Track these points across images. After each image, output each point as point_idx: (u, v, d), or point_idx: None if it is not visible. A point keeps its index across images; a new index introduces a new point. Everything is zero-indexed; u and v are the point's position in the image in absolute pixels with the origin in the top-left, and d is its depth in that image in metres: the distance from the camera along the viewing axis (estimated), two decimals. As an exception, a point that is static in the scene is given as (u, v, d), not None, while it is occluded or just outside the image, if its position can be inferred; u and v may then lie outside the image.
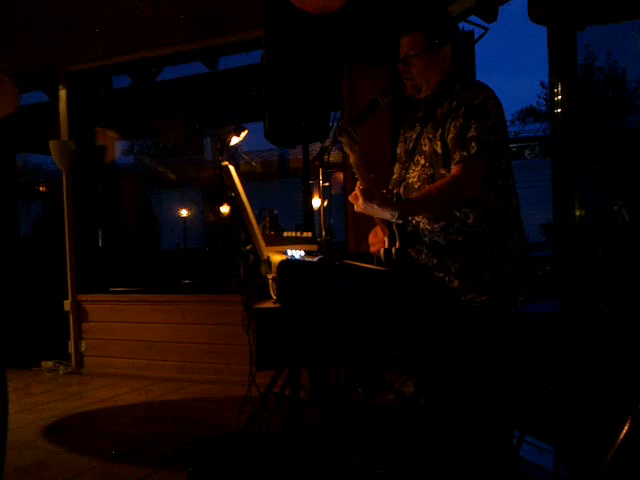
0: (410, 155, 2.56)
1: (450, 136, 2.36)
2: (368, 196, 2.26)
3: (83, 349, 5.78)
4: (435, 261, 2.41)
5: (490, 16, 4.26)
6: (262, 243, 2.53)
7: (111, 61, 5.69)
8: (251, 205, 2.59)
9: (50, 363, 5.83)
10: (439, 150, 2.40)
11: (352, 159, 2.36)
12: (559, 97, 3.36)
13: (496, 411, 2.38)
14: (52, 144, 5.66)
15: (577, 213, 3.28)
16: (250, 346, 2.73)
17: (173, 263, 8.04)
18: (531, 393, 2.83)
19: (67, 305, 5.80)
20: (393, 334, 2.26)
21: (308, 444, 2.45)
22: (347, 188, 4.68)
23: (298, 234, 2.69)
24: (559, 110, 3.38)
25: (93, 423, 4.20)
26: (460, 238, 2.36)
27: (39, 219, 7.81)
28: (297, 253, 2.54)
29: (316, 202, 4.11)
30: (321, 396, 2.54)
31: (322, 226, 2.62)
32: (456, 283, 2.35)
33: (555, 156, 3.56)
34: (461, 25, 4.23)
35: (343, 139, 2.32)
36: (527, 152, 18.15)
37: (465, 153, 2.30)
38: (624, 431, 2.10)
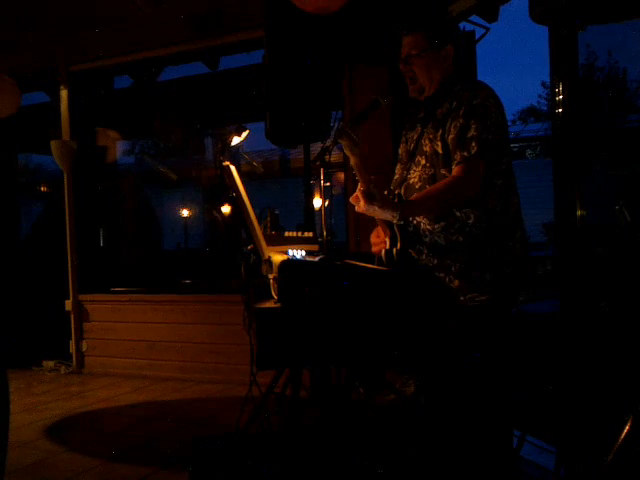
0: (411, 156, 2.56)
1: (450, 136, 2.36)
2: (369, 197, 2.27)
3: (84, 349, 5.79)
4: (435, 261, 2.42)
5: (491, 16, 4.27)
6: (263, 243, 2.53)
7: (112, 61, 5.69)
8: (252, 205, 2.59)
9: (51, 363, 5.84)
10: (440, 150, 2.41)
11: (352, 161, 2.36)
12: (560, 97, 3.36)
13: (496, 411, 2.38)
14: (53, 144, 5.67)
15: (578, 213, 3.28)
16: (251, 346, 2.73)
17: (174, 263, 8.04)
18: (532, 392, 2.83)
19: (68, 305, 5.81)
20: (394, 334, 2.26)
21: (308, 444, 2.45)
22: (348, 188, 4.68)
23: (299, 234, 2.69)
24: (560, 110, 3.37)
25: (94, 423, 4.20)
26: (461, 238, 2.36)
27: (40, 219, 7.81)
28: (298, 253, 2.55)
29: (317, 202, 4.11)
30: (322, 396, 2.54)
31: (323, 226, 2.62)
32: (456, 283, 2.35)
33: (556, 156, 3.56)
34: (462, 25, 4.23)
35: (343, 141, 2.33)
36: (528, 152, 18.13)
37: (466, 153, 2.30)
38: (625, 431, 2.10)
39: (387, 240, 2.47)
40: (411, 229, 2.46)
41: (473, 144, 2.29)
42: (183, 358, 5.31)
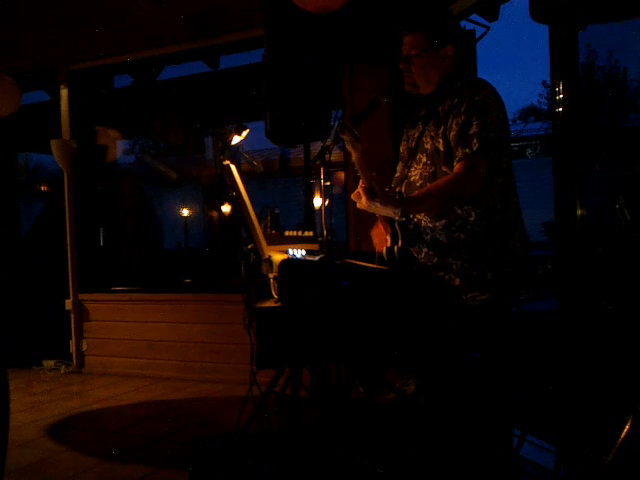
0: (412, 153, 2.56)
1: (452, 133, 2.36)
2: (371, 194, 2.27)
3: (84, 348, 5.79)
4: (435, 260, 2.42)
5: (492, 15, 4.26)
6: (263, 242, 2.53)
7: (112, 60, 5.69)
8: (252, 204, 2.59)
9: (51, 362, 5.84)
10: (441, 147, 2.41)
11: (354, 157, 2.36)
12: (560, 96, 3.36)
13: (497, 410, 2.38)
14: (54, 143, 5.67)
15: (578, 212, 3.28)
16: (251, 345, 2.73)
17: (174, 262, 8.05)
18: (532, 392, 2.83)
19: (68, 304, 5.81)
20: (394, 333, 2.26)
21: (308, 444, 2.45)
22: (348, 187, 4.68)
23: (299, 233, 2.69)
24: (560, 109, 3.37)
25: (94, 422, 4.20)
26: (462, 236, 2.36)
27: (40, 218, 7.81)
28: (298, 252, 2.54)
29: (317, 201, 4.11)
30: (322, 396, 2.54)
31: (323, 225, 2.62)
32: (457, 282, 2.35)
33: (556, 155, 3.56)
34: (463, 24, 4.23)
35: (345, 137, 2.33)
36: (528, 151, 18.15)
37: (467, 150, 2.30)
38: (625, 430, 2.10)
39: (388, 238, 2.47)
40: (412, 227, 2.46)
41: (475, 141, 2.29)
42: (183, 357, 5.31)
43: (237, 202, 2.58)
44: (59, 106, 5.85)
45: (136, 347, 5.54)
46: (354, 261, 2.40)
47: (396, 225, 2.37)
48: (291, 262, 2.34)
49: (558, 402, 3.03)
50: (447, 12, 3.40)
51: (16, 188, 7.27)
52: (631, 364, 2.76)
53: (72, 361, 5.81)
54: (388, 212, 2.32)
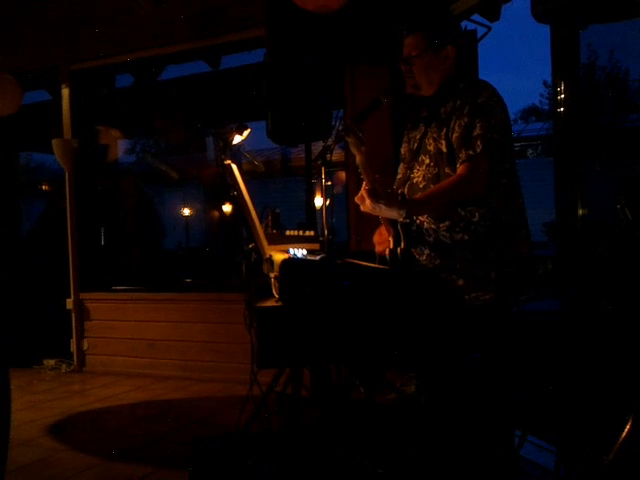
0: (414, 155, 2.56)
1: (455, 135, 2.36)
2: (375, 196, 2.27)
3: (85, 347, 5.79)
4: (438, 261, 2.41)
5: (493, 15, 4.26)
6: (264, 242, 2.54)
7: (113, 60, 5.69)
8: (253, 204, 2.59)
9: (52, 361, 5.84)
10: (444, 149, 2.41)
11: (358, 159, 2.36)
12: (562, 96, 3.36)
13: (497, 410, 2.38)
14: (55, 143, 5.67)
15: (579, 212, 3.28)
16: (252, 345, 2.73)
17: (175, 262, 8.05)
18: (532, 392, 2.83)
19: (69, 303, 5.81)
20: (395, 333, 2.25)
21: (308, 444, 2.45)
22: (349, 187, 4.68)
23: (300, 233, 2.70)
24: (562, 109, 3.37)
25: (94, 421, 4.20)
26: (466, 237, 2.36)
27: (41, 218, 7.82)
28: (299, 252, 2.54)
29: (318, 201, 4.11)
30: (322, 395, 2.54)
31: (324, 225, 2.62)
32: (460, 282, 2.34)
33: (557, 155, 3.56)
34: (464, 24, 4.22)
35: (350, 139, 2.33)
36: (530, 151, 18.13)
37: (471, 152, 2.30)
38: (626, 430, 2.10)
39: (390, 239, 2.47)
40: (414, 228, 2.46)
41: (478, 143, 2.29)
42: (184, 357, 5.32)
43: (238, 201, 2.58)
44: (60, 105, 5.85)
45: (137, 346, 5.54)
46: (355, 261, 2.40)
47: (398, 227, 2.37)
48: (292, 262, 2.34)
49: (558, 402, 3.03)
50: (447, 13, 3.41)
51: (17, 187, 7.27)
52: (631, 364, 2.76)
53: (73, 360, 5.81)
54: (393, 214, 2.31)
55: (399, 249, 2.38)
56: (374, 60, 4.29)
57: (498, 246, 2.36)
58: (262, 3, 3.98)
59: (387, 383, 2.69)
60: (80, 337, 5.80)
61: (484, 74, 4.26)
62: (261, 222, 2.64)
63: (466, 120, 2.34)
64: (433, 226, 2.42)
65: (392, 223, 2.43)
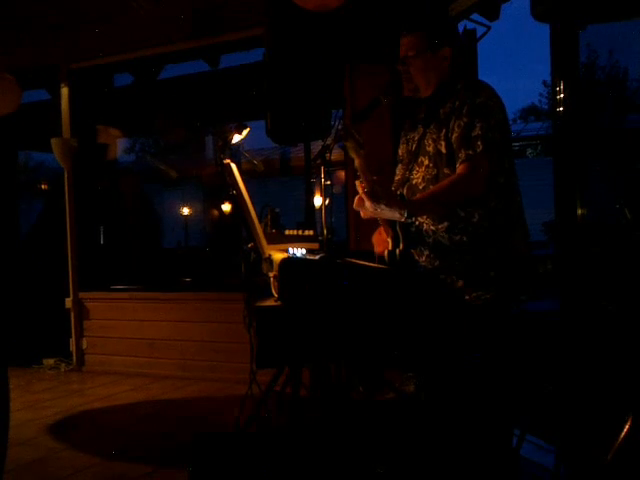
0: (413, 156, 2.56)
1: (454, 135, 2.36)
2: (374, 197, 2.26)
3: (84, 347, 5.79)
4: (437, 263, 2.41)
5: (492, 14, 4.26)
6: (264, 241, 2.54)
7: (112, 59, 5.68)
8: (253, 203, 2.59)
9: (51, 361, 5.84)
10: (443, 150, 2.40)
11: (357, 163, 2.36)
12: (561, 96, 3.36)
13: (497, 410, 2.38)
14: (54, 142, 5.67)
15: (579, 212, 3.28)
16: (251, 344, 2.73)
17: (174, 261, 8.05)
18: (532, 392, 2.83)
19: (68, 303, 5.81)
20: (394, 332, 2.25)
21: (308, 443, 2.45)
22: (349, 186, 4.68)
23: (299, 232, 2.70)
24: (561, 109, 3.37)
25: (94, 421, 4.20)
26: (465, 238, 2.36)
27: (40, 217, 7.82)
28: (298, 251, 2.55)
29: (317, 200, 4.12)
30: (322, 395, 2.54)
31: (324, 224, 2.62)
32: (460, 283, 2.34)
33: (557, 155, 3.56)
34: (463, 23, 4.23)
35: (349, 143, 2.32)
36: (529, 151, 18.15)
37: (471, 152, 2.30)
38: (625, 430, 2.10)
39: (389, 240, 2.47)
40: (413, 230, 2.45)
41: (478, 143, 2.29)
42: (183, 356, 5.31)
43: (237, 201, 2.58)
44: (59, 105, 5.85)
45: (136, 346, 5.54)
46: (354, 260, 2.40)
47: (398, 228, 2.36)
48: (291, 261, 2.34)
49: (558, 402, 3.04)
50: (444, 13, 3.41)
51: (16, 187, 7.27)
52: (631, 364, 2.76)
53: (72, 359, 5.81)
54: (394, 214, 2.31)
55: (398, 250, 2.38)
56: (374, 60, 4.29)
57: (497, 246, 2.36)
58: (261, 2, 3.98)
59: (387, 383, 2.69)
60: (79, 336, 5.80)
61: (483, 73, 4.26)
62: (260, 221, 2.64)
63: (465, 120, 2.34)
64: (432, 227, 2.42)
65: (391, 224, 2.43)
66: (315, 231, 2.71)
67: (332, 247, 2.63)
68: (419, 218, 2.45)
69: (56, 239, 6.02)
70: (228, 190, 2.62)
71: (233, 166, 2.59)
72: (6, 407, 2.28)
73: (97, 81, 6.07)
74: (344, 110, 4.50)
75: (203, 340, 5.24)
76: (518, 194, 2.45)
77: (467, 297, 2.33)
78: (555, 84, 3.42)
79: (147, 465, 3.22)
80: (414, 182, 2.51)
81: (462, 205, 2.36)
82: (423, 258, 2.45)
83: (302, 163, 4.38)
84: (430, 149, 2.46)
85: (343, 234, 4.78)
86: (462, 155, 2.32)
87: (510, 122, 2.51)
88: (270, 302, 2.51)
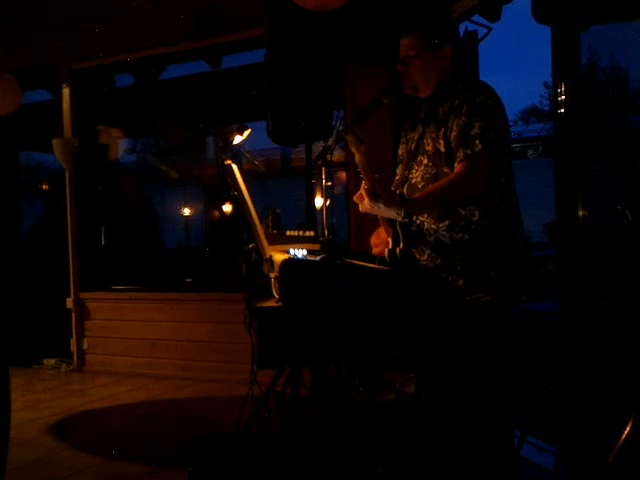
0: (413, 155, 2.56)
1: (453, 134, 2.36)
2: (374, 195, 2.27)
3: (85, 347, 5.79)
4: (439, 261, 2.41)
5: (494, 15, 4.26)
6: (264, 242, 2.54)
7: (113, 60, 5.69)
8: (254, 204, 2.59)
9: (52, 361, 5.84)
10: (442, 149, 2.41)
11: (357, 158, 2.36)
12: (562, 97, 3.36)
13: (497, 411, 2.38)
14: (55, 142, 5.68)
15: (580, 213, 3.28)
16: (252, 345, 2.73)
17: (175, 261, 8.05)
18: (532, 392, 2.83)
19: (69, 303, 5.81)
20: (395, 333, 2.26)
21: (308, 443, 2.45)
22: (350, 187, 4.68)
23: (300, 233, 2.70)
24: (562, 110, 3.37)
25: (94, 421, 4.20)
26: (466, 236, 2.36)
27: (42, 217, 7.82)
28: (299, 252, 2.54)
29: (318, 201, 4.11)
30: (322, 395, 2.54)
31: (325, 225, 2.62)
32: (460, 282, 2.34)
33: (558, 156, 3.56)
34: (465, 24, 4.23)
35: (349, 138, 2.33)
36: (530, 152, 18.12)
37: (469, 151, 2.30)
38: (626, 431, 2.10)
39: (389, 240, 2.47)
40: (414, 228, 2.46)
41: (477, 142, 2.29)
42: (184, 357, 5.32)
43: (238, 201, 2.58)
44: (61, 105, 5.85)
45: (137, 346, 5.54)
46: (355, 261, 2.40)
47: (397, 227, 2.37)
48: (292, 262, 2.34)
49: (558, 402, 3.03)
50: (445, 14, 3.41)
51: (17, 187, 7.28)
52: (631, 364, 2.76)
53: (73, 360, 5.81)
54: (391, 213, 2.32)
55: (398, 249, 2.38)
56: (375, 60, 4.29)
57: (497, 246, 2.36)
58: (262, 3, 3.98)
59: (387, 383, 2.69)
60: (80, 336, 5.80)
61: (485, 75, 4.25)
62: (261, 222, 2.64)
63: (464, 119, 2.34)
64: (433, 226, 2.43)
65: (391, 223, 2.43)
66: (316, 232, 2.71)
67: (333, 248, 2.62)
68: (420, 217, 2.45)
69: (57, 239, 6.02)
70: (229, 191, 2.63)
71: (234, 167, 2.59)
72: (7, 407, 2.28)
73: (98, 81, 6.08)
74: (345, 110, 4.51)
75: (204, 340, 5.24)
76: (515, 195, 2.46)
77: (468, 298, 2.33)
78: (556, 85, 3.42)
79: (147, 465, 3.22)
80: (413, 181, 2.51)
81: (463, 203, 2.36)
82: (424, 257, 2.45)
83: (303, 164, 4.38)
84: (429, 148, 2.47)
85: (344, 235, 4.78)
86: (460, 154, 2.32)
87: (511, 123, 2.51)
88: (271, 303, 2.51)
